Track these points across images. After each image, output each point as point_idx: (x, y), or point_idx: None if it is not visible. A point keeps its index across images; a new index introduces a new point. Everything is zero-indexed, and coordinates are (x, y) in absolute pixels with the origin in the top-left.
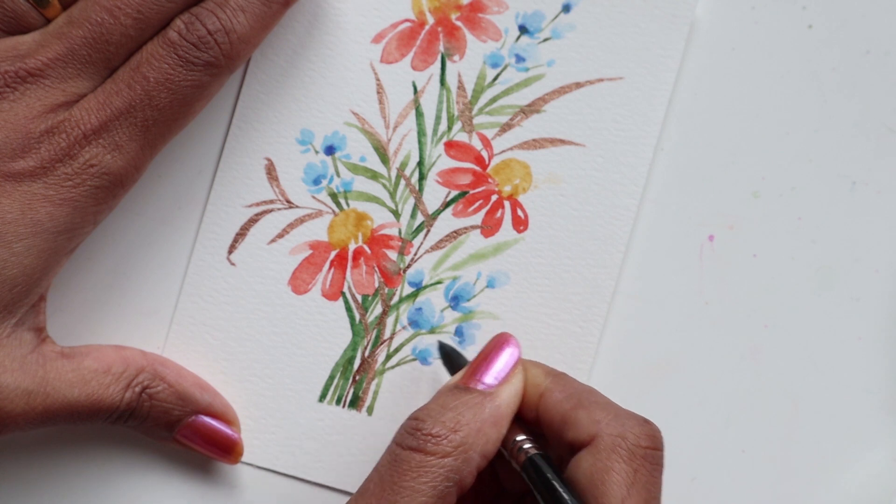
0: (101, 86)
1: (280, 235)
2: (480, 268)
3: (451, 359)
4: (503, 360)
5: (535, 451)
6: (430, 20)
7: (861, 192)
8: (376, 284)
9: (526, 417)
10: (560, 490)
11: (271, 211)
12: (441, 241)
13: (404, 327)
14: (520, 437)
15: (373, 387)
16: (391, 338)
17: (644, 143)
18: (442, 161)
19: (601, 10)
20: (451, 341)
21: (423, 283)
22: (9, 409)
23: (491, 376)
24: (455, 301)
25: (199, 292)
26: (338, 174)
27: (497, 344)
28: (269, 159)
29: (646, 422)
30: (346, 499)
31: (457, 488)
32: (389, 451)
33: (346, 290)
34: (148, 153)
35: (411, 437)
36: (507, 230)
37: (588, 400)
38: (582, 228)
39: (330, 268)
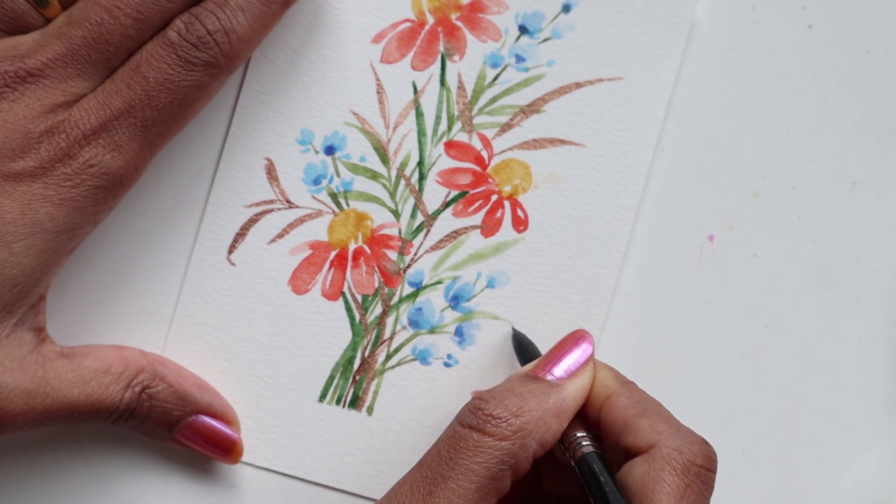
0: (100, 86)
1: (280, 235)
2: (480, 268)
3: (524, 348)
4: (575, 356)
5: (593, 450)
6: (430, 20)
7: (861, 192)
8: (376, 284)
9: (588, 417)
10: (611, 489)
11: (271, 211)
12: (441, 241)
13: (404, 327)
14: (579, 434)
15: (373, 387)
16: (391, 338)
17: (644, 143)
18: (442, 161)
19: (601, 10)
20: (520, 330)
21: (423, 283)
22: (8, 409)
23: (561, 369)
24: (455, 301)
25: (199, 292)
26: (338, 174)
27: (572, 339)
28: (269, 159)
29: (705, 442)
30: (347, 499)
31: (511, 472)
32: (450, 429)
33: (346, 290)
34: (148, 153)
35: (472, 416)
36: (507, 230)
37: (653, 410)
38: (582, 228)
39: (330, 268)
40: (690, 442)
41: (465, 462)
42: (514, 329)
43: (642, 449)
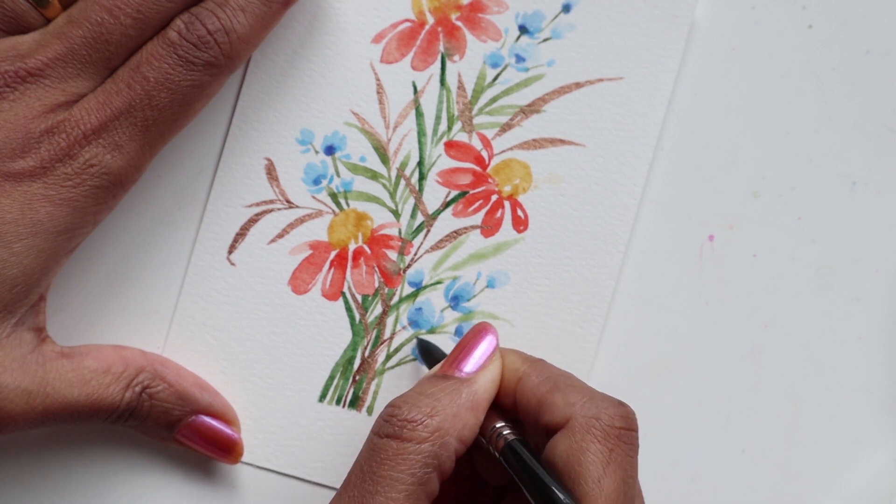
0: (100, 86)
1: (280, 235)
2: (480, 268)
3: (430, 353)
4: (482, 349)
5: (514, 437)
6: (430, 20)
7: (861, 192)
8: (376, 284)
9: (504, 405)
10: (539, 472)
11: (271, 211)
12: (441, 241)
13: (404, 327)
14: (499, 424)
15: (373, 387)
16: (391, 338)
17: (644, 143)
18: (442, 161)
19: (601, 10)
20: (429, 338)
21: (423, 283)
22: (8, 409)
23: (470, 364)
24: (455, 301)
25: (199, 292)
26: (338, 174)
27: (475, 333)
28: (269, 159)
29: (620, 403)
30: None
31: (437, 474)
32: (368, 441)
33: (346, 290)
34: (148, 153)
35: (388, 425)
36: (507, 230)
37: (564, 383)
38: (582, 228)
39: (330, 268)
40: (605, 406)
41: (388, 473)
42: (418, 338)
43: (560, 424)
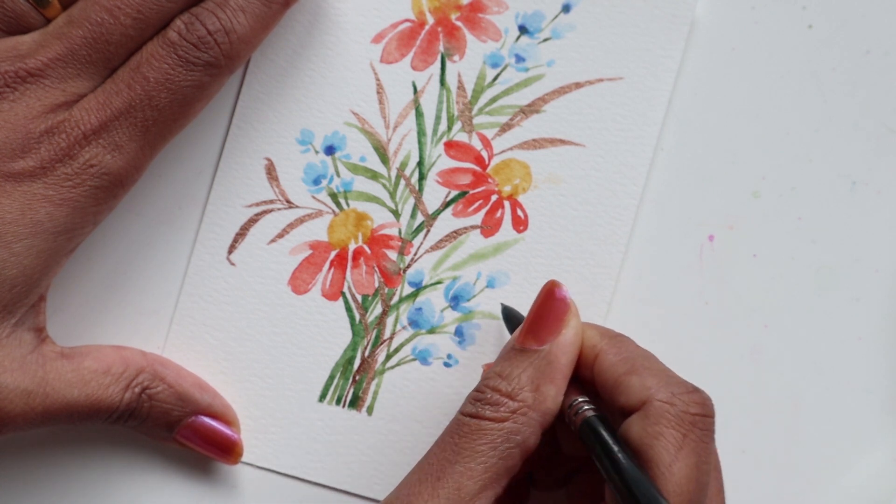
0: (100, 86)
1: (280, 235)
2: (480, 268)
3: (512, 320)
4: (554, 313)
5: (592, 413)
6: (430, 20)
7: (861, 192)
8: (376, 284)
9: (584, 377)
10: (615, 451)
11: (271, 211)
12: (441, 241)
13: (404, 327)
14: (579, 399)
15: (373, 387)
16: (391, 338)
17: (644, 143)
18: (442, 161)
19: (601, 11)
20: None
21: (423, 283)
22: (8, 410)
23: (545, 334)
24: (455, 301)
25: (199, 292)
26: (338, 174)
27: (547, 296)
28: (269, 159)
29: (696, 389)
30: (347, 499)
31: (519, 450)
32: (454, 420)
33: (346, 290)
34: (148, 153)
35: (471, 406)
36: (507, 230)
37: (642, 365)
38: (582, 228)
39: (330, 268)
40: (681, 392)
41: (469, 445)
42: (503, 305)
43: (636, 407)
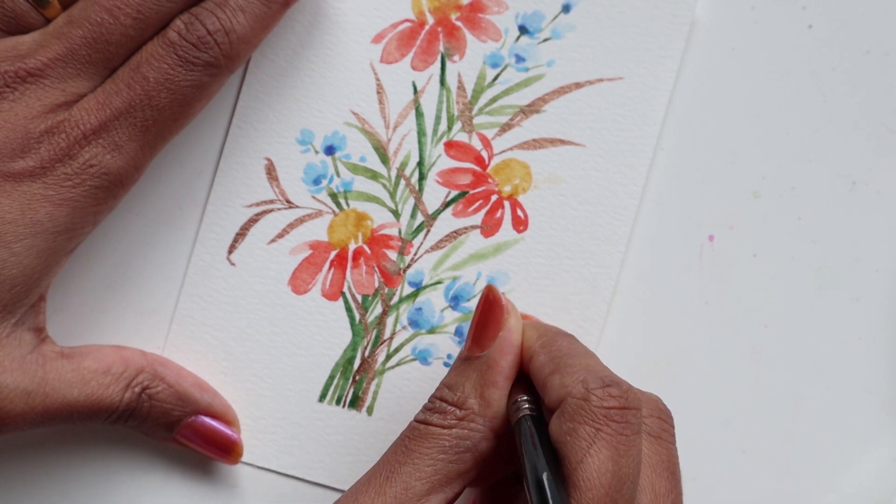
0: (100, 86)
1: (280, 235)
2: (480, 268)
3: None
4: (491, 321)
5: (526, 412)
6: (430, 20)
7: (861, 192)
8: (376, 284)
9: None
10: (528, 450)
11: (271, 211)
12: (441, 241)
13: (404, 327)
14: (520, 398)
15: (373, 387)
16: (391, 338)
17: (644, 143)
18: (442, 161)
19: (601, 11)
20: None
21: (423, 283)
22: (8, 409)
23: (484, 341)
24: (455, 301)
25: (199, 292)
26: (338, 174)
27: (485, 305)
28: (269, 159)
29: (613, 383)
30: None
31: (471, 454)
32: (408, 425)
33: (346, 290)
34: (148, 153)
35: (422, 414)
36: (507, 230)
37: (565, 364)
38: (582, 228)
39: (330, 268)
40: (596, 387)
41: (418, 448)
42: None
43: (556, 405)
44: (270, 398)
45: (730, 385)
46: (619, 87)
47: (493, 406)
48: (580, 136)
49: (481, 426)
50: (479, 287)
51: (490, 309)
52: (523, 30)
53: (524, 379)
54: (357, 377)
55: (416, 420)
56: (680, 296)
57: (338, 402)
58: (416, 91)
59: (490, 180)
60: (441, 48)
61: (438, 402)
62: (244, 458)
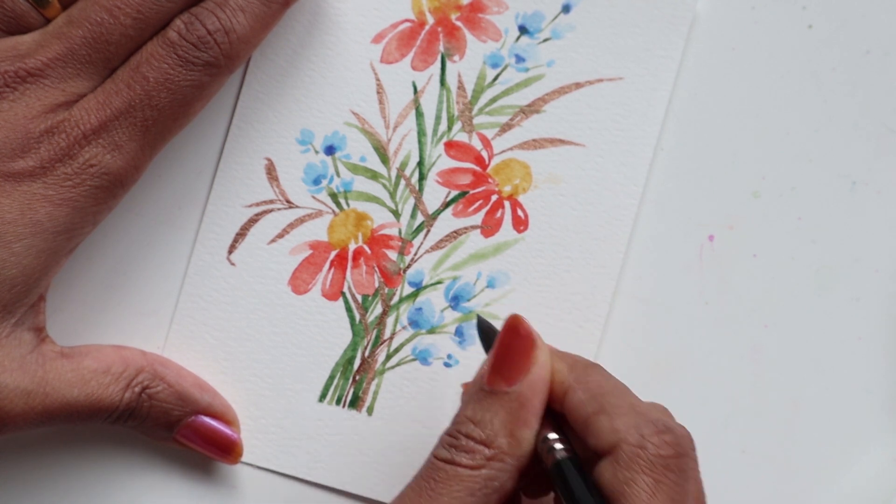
0: (100, 86)
1: (280, 235)
2: (480, 268)
3: (488, 335)
4: (521, 353)
5: (563, 454)
6: (430, 20)
7: (861, 192)
8: (376, 284)
9: (556, 411)
10: (582, 500)
11: (271, 211)
12: (441, 241)
13: (404, 327)
14: (551, 437)
15: (373, 387)
16: (391, 338)
17: (644, 143)
18: (442, 161)
19: (601, 11)
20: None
21: (423, 283)
22: (8, 409)
23: (512, 373)
24: (455, 301)
25: (199, 292)
26: (338, 174)
27: (511, 334)
28: (269, 159)
29: (667, 430)
30: (347, 499)
31: (497, 495)
32: (428, 461)
33: (346, 290)
34: (148, 153)
35: (446, 451)
36: (507, 230)
37: (610, 403)
38: (582, 228)
39: (330, 268)
40: (651, 434)
41: (446, 491)
42: (478, 317)
43: (606, 450)
44: (270, 398)
45: (730, 385)
46: (619, 87)
47: (523, 446)
48: (580, 136)
49: (510, 466)
50: (480, 287)
51: (518, 340)
52: (523, 30)
53: (548, 414)
54: (357, 377)
55: (439, 458)
56: (680, 296)
57: (338, 403)
58: (416, 91)
59: (490, 180)
60: (441, 48)
61: (465, 440)
62: (244, 458)
